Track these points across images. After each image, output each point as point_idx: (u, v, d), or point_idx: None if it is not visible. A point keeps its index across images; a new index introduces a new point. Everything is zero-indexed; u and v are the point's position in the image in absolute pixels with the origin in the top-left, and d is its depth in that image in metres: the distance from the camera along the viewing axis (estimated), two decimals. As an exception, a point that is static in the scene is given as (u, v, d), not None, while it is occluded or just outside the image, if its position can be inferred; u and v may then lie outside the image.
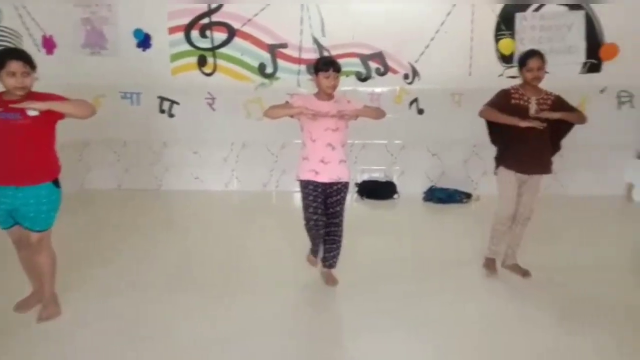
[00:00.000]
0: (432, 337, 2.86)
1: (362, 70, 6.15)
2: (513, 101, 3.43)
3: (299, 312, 3.20)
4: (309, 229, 3.34)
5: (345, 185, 3.33)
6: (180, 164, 6.39)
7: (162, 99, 6.31)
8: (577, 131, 5.62)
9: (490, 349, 2.77)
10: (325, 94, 3.25)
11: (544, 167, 3.52)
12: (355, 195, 6.13)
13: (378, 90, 6.15)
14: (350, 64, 6.10)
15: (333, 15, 6.03)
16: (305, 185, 3.28)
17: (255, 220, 5.21)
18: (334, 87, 3.21)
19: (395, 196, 6.14)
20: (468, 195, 5.97)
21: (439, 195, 5.95)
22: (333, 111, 3.18)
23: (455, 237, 4.64)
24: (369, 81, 6.16)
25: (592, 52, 5.94)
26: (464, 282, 3.61)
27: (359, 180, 6.24)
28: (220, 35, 6.17)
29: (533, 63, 3.38)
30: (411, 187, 6.18)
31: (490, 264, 3.72)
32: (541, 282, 3.56)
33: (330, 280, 3.49)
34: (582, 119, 3.46)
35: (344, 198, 3.35)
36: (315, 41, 6.10)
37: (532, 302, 3.28)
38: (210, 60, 6.22)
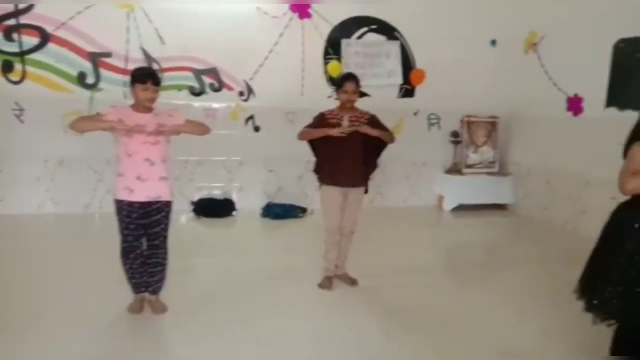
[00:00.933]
0: (266, 354, 2.83)
1: (195, 85, 5.99)
2: (328, 122, 3.65)
3: (122, 346, 2.89)
4: (125, 256, 3.09)
5: (166, 205, 3.14)
6: (-22, 184, 5.46)
7: (-46, 108, 5.35)
8: (396, 149, 6.21)
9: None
10: (143, 107, 3.04)
11: (358, 181, 3.73)
12: (191, 214, 5.91)
13: (214, 106, 6.05)
14: (183, 78, 5.91)
15: (164, 27, 5.78)
16: (120, 204, 3.03)
17: (74, 246, 4.66)
18: (152, 100, 3.03)
19: (234, 213, 6.06)
20: (303, 210, 6.16)
21: (276, 211, 6.02)
22: (151, 127, 2.98)
23: (292, 251, 4.72)
24: (203, 96, 6.03)
25: (406, 78, 6.64)
26: (300, 295, 3.67)
27: (195, 199, 6.03)
28: (30, 39, 5.46)
29: (347, 86, 3.60)
30: (249, 203, 6.16)
31: (326, 283, 3.80)
32: (367, 290, 3.79)
33: (158, 309, 3.23)
34: (392, 139, 3.74)
35: (165, 218, 3.15)
36: (144, 52, 5.77)
37: (360, 310, 3.46)
38: (18, 66, 5.47)
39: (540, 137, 6.29)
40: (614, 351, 2.45)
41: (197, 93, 6.02)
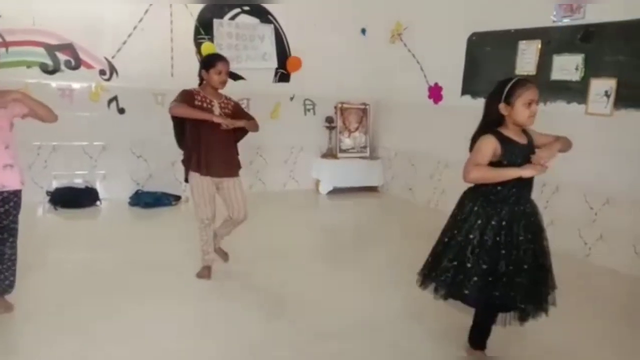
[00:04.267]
0: (134, 351, 2.66)
1: (48, 61, 5.37)
2: (196, 102, 3.41)
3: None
4: None
5: (14, 194, 2.81)
6: None
7: None
8: (274, 134, 6.24)
9: (197, 350, 2.73)
10: None
11: (231, 170, 3.58)
12: (48, 205, 5.34)
13: (73, 85, 5.49)
14: (32, 54, 5.27)
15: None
16: None
17: None
18: None
19: (98, 203, 5.59)
20: (177, 198, 5.89)
21: (145, 200, 5.67)
22: None
23: (164, 241, 4.47)
24: (58, 74, 5.43)
25: (281, 63, 6.63)
26: (172, 287, 3.50)
27: (52, 188, 5.45)
28: None
29: (222, 66, 3.40)
30: (115, 192, 5.73)
31: (204, 272, 3.64)
32: (242, 275, 3.76)
33: (2, 307, 2.91)
34: (257, 127, 3.61)
35: (13, 209, 2.82)
36: (-18, 22, 5.03)
37: (235, 297, 3.41)
38: None
39: (405, 122, 6.70)
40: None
41: (50, 71, 5.40)
